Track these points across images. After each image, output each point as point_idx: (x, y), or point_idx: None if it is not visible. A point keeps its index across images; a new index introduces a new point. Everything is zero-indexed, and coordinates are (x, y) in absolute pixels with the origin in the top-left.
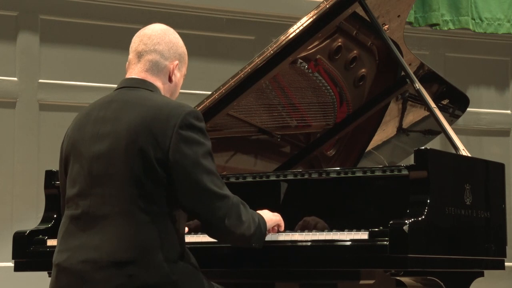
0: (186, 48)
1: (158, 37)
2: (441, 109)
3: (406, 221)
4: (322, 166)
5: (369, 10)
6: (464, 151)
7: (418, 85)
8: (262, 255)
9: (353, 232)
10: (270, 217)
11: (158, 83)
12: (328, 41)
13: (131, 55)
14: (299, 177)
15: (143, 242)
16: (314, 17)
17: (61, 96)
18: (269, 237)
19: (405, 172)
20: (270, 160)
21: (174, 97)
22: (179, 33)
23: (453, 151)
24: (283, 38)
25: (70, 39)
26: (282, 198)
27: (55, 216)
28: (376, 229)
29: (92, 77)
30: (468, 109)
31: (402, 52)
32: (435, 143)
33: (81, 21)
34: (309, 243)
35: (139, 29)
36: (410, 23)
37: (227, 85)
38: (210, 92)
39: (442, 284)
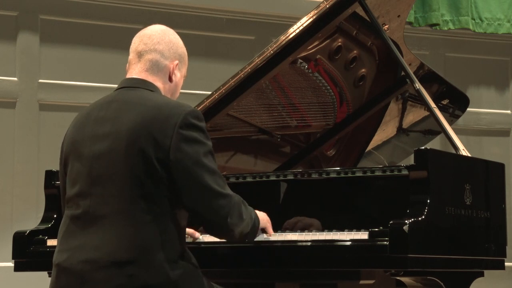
0: (186, 48)
1: (158, 37)
2: (441, 109)
3: (406, 221)
4: (322, 166)
5: (369, 10)
6: (464, 151)
7: (418, 85)
8: (262, 255)
9: (353, 232)
10: (262, 216)
11: (158, 83)
12: (328, 41)
13: (131, 55)
14: (299, 177)
15: (143, 242)
16: (314, 17)
17: (61, 96)
18: (270, 237)
19: (405, 172)
20: (270, 160)
21: (175, 97)
22: (179, 33)
23: (453, 151)
24: (283, 38)
25: (70, 39)
26: (282, 198)
27: (55, 216)
28: (376, 229)
29: (92, 77)
30: (468, 109)
31: (402, 52)
32: (435, 143)
33: (81, 21)
34: (309, 243)
35: (139, 29)
36: (410, 23)
37: (227, 85)
38: (210, 92)
39: (442, 284)
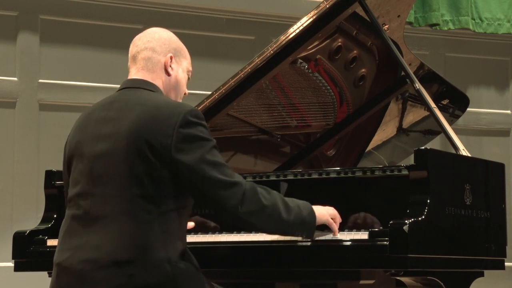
0: (186, 48)
1: (148, 36)
2: (441, 109)
3: (406, 221)
4: (322, 166)
5: (369, 10)
6: (464, 151)
7: (418, 85)
8: (262, 255)
9: (353, 232)
10: (322, 211)
11: (157, 80)
12: (328, 41)
13: (129, 61)
14: (299, 177)
15: (144, 242)
16: (314, 17)
17: (61, 96)
18: (270, 237)
19: (405, 172)
20: (270, 160)
21: (179, 93)
22: (179, 33)
23: (453, 151)
24: (283, 38)
25: (70, 39)
26: None
27: (55, 216)
28: (376, 229)
29: (92, 77)
30: (468, 109)
31: (402, 52)
32: (435, 143)
33: (81, 21)
34: (309, 243)
35: (139, 29)
36: (410, 23)
37: (227, 85)
38: (210, 92)
39: (442, 284)
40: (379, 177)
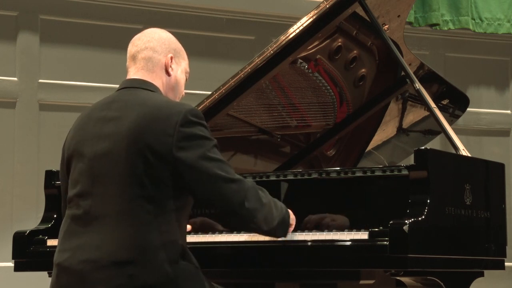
0: (186, 48)
1: (148, 36)
2: (441, 109)
3: (406, 221)
4: (322, 166)
5: (369, 10)
6: (464, 151)
7: (418, 85)
8: (262, 255)
9: (353, 232)
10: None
11: (157, 80)
12: (328, 41)
13: (128, 61)
14: (299, 177)
15: (144, 242)
16: (314, 17)
17: (61, 96)
18: (269, 237)
19: (405, 172)
20: (270, 160)
21: (178, 93)
22: (179, 33)
23: (453, 151)
24: (283, 38)
25: (70, 39)
26: (282, 198)
27: (55, 216)
28: (376, 229)
29: (92, 77)
30: (468, 109)
31: (402, 52)
32: (435, 143)
33: (81, 21)
34: (309, 243)
35: (139, 29)
36: (410, 23)
37: (227, 85)
38: (210, 92)
39: (442, 284)
40: (379, 177)
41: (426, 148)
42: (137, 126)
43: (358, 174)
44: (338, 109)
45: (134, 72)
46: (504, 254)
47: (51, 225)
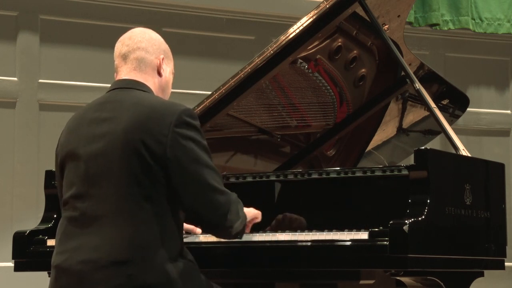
0: (186, 48)
1: (139, 36)
2: (441, 109)
3: (406, 221)
4: (322, 166)
5: (369, 10)
6: (464, 151)
7: (418, 85)
8: (262, 255)
9: (353, 232)
10: (249, 210)
11: (149, 80)
12: (328, 41)
13: (117, 61)
14: (299, 177)
15: (142, 241)
16: (314, 17)
17: (61, 96)
18: (270, 237)
19: (405, 172)
20: (270, 160)
21: (166, 94)
22: (179, 33)
23: (453, 151)
24: (283, 38)
25: (70, 39)
26: (282, 198)
27: (55, 216)
28: (376, 229)
29: (92, 77)
30: (468, 109)
31: (402, 52)
32: (435, 143)
33: (81, 21)
34: (309, 243)
35: None
36: (410, 23)
37: (227, 85)
38: (210, 92)
39: (442, 284)
40: (379, 177)
41: (426, 148)
42: (133, 125)
43: (358, 174)
44: (338, 109)
45: (126, 73)
46: (504, 254)
47: (51, 225)
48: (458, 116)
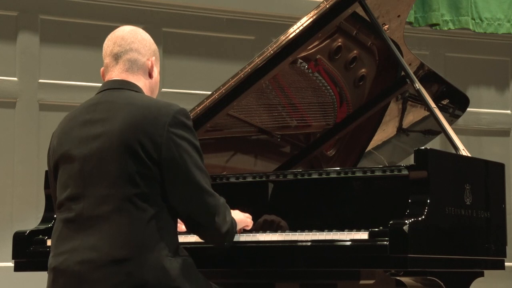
0: (186, 48)
1: (131, 37)
2: (441, 109)
3: (406, 221)
4: (322, 166)
5: (369, 10)
6: (464, 151)
7: (418, 85)
8: (262, 255)
9: (353, 232)
10: (241, 217)
11: (139, 82)
12: (328, 41)
13: (107, 59)
14: (299, 177)
15: (140, 239)
16: (314, 17)
17: (61, 96)
18: (270, 237)
19: (405, 172)
20: (270, 160)
21: (154, 94)
22: (179, 33)
23: (453, 151)
24: (283, 38)
25: (70, 39)
26: (282, 198)
27: (55, 216)
28: (376, 229)
29: (92, 77)
30: (468, 109)
31: (402, 52)
32: (435, 143)
33: (81, 21)
34: (309, 243)
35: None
36: (410, 23)
37: (227, 85)
38: (210, 92)
39: (442, 284)
40: (379, 177)
41: (426, 148)
42: (128, 125)
43: (358, 174)
44: (338, 109)
45: (117, 73)
46: (504, 254)
47: (51, 225)
48: (458, 116)
